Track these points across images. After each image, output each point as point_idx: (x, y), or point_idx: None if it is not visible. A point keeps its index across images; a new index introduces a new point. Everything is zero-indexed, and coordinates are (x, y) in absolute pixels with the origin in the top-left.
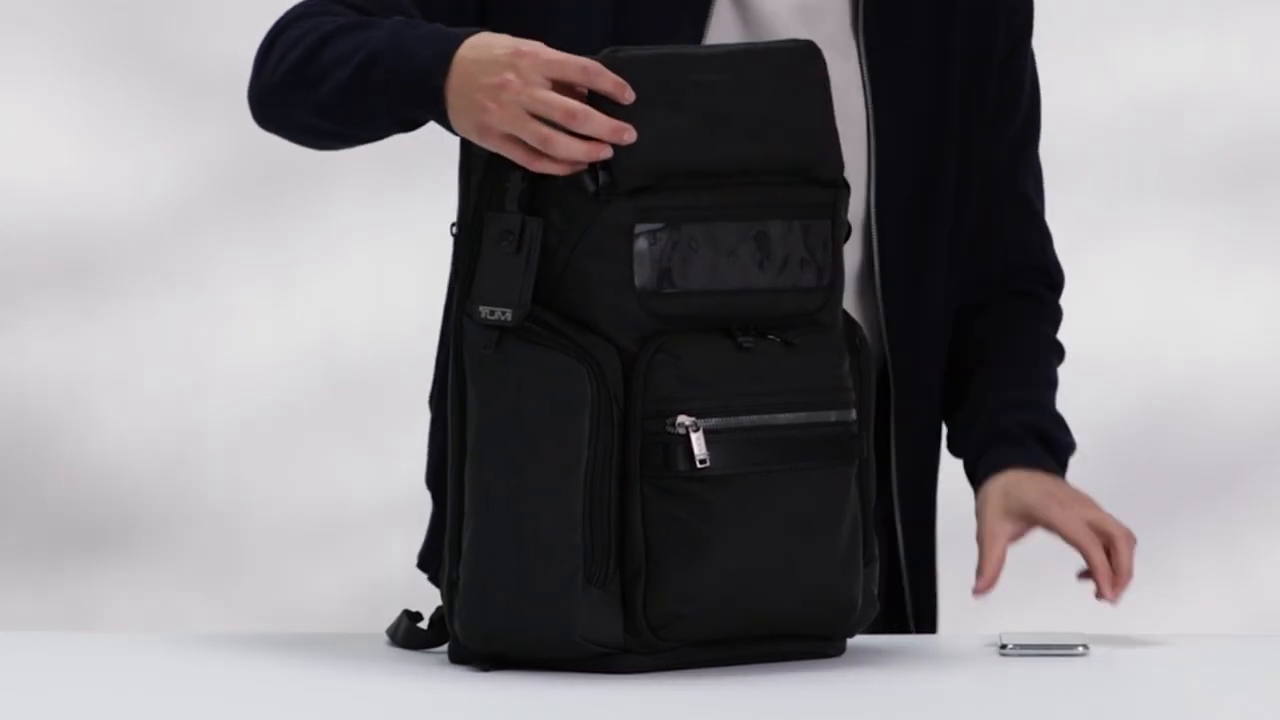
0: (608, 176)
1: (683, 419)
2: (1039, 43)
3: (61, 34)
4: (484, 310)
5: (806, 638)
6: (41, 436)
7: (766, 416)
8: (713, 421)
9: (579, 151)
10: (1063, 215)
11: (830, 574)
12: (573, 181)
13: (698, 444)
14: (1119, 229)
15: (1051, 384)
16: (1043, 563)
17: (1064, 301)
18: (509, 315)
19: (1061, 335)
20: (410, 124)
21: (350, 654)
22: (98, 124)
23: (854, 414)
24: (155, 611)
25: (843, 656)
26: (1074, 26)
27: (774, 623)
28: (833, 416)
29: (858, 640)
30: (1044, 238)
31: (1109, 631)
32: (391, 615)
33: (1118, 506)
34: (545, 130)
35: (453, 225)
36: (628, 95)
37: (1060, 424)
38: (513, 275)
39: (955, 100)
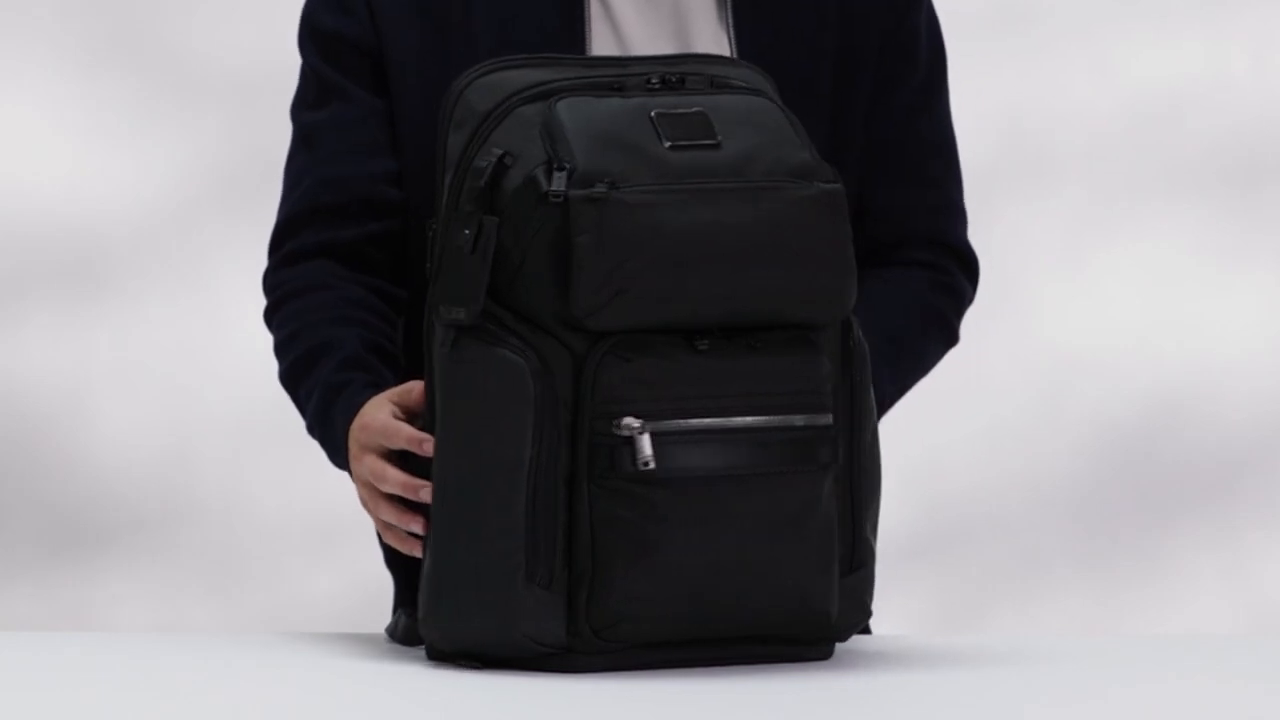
0: (563, 177)
1: (630, 420)
2: (1037, 42)
3: (61, 34)
4: (443, 309)
5: (778, 642)
6: (41, 436)
7: (723, 419)
8: (662, 424)
9: (390, 516)
10: (1062, 215)
11: (798, 579)
12: (529, 181)
13: (644, 446)
14: (1118, 228)
15: (901, 355)
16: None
17: (1047, 301)
18: (463, 314)
19: (1053, 335)
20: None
21: (348, 653)
22: (97, 123)
23: (828, 418)
24: (155, 611)
25: (840, 657)
26: (1073, 26)
27: (738, 627)
28: (799, 420)
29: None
30: (945, 210)
31: (1109, 631)
32: (390, 615)
33: (1117, 505)
34: (364, 496)
35: (431, 223)
36: (426, 449)
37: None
38: (468, 274)
39: (827, 72)
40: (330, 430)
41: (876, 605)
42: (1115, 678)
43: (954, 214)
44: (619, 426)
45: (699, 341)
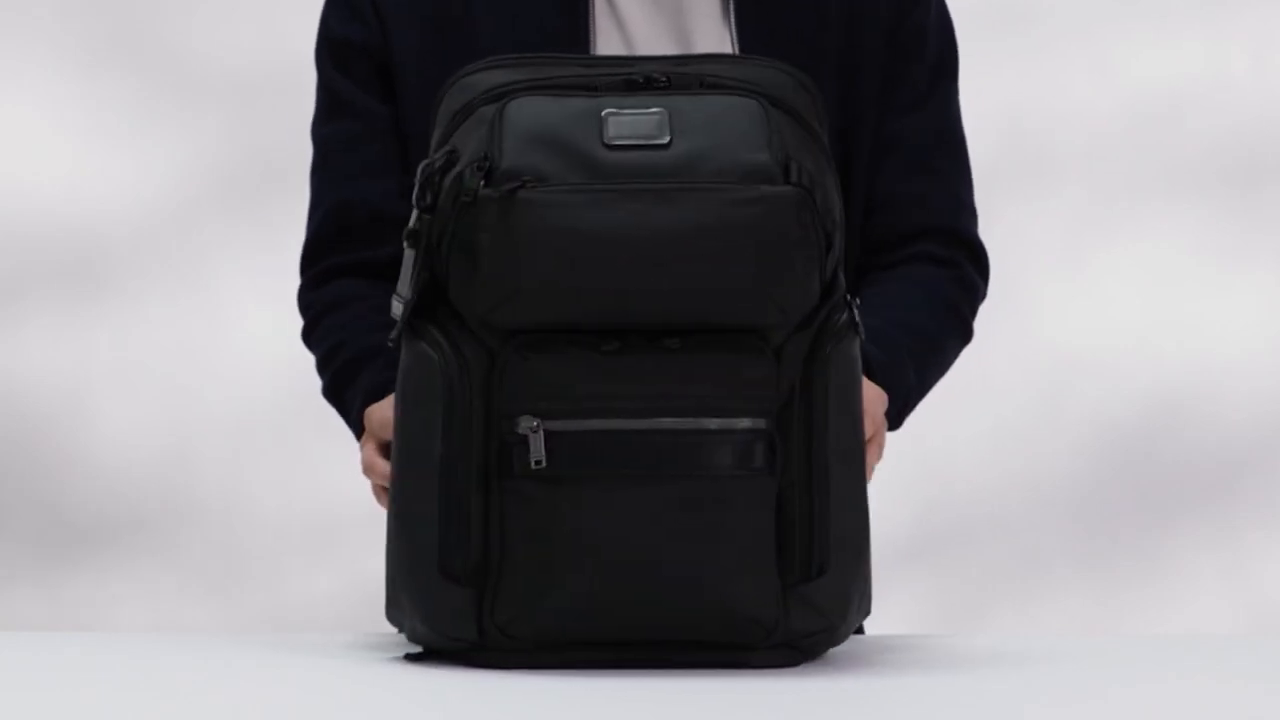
0: (481, 179)
1: (525, 419)
2: (1037, 42)
3: (61, 34)
4: (393, 302)
5: (702, 647)
6: (41, 436)
7: (624, 421)
8: (556, 424)
9: (382, 504)
10: (1062, 215)
11: (712, 583)
12: (456, 179)
13: (536, 445)
14: (1118, 228)
15: (928, 354)
16: (1044, 564)
17: (1048, 302)
18: (399, 309)
19: (1054, 336)
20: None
21: (347, 653)
22: (97, 123)
23: (751, 422)
24: (155, 610)
25: (839, 657)
26: (1073, 26)
27: (647, 629)
28: (713, 424)
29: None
30: (954, 204)
31: (1109, 631)
32: None
33: (1117, 505)
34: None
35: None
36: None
37: (903, 374)
38: (405, 270)
39: (829, 73)
40: (351, 409)
41: (875, 605)
42: (1115, 678)
43: (962, 209)
44: (517, 425)
45: (607, 343)
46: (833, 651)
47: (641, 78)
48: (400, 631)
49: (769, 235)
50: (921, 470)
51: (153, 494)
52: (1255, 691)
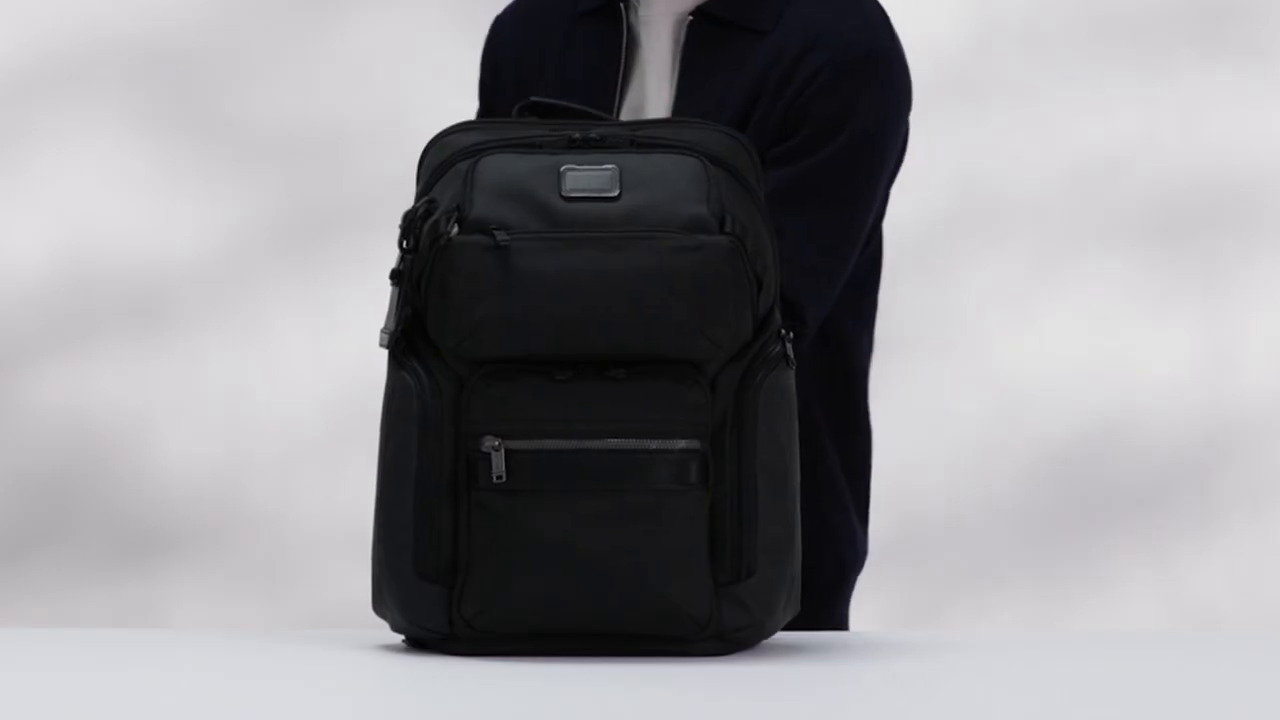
0: (454, 226)
1: (489, 439)
2: (987, 108)
3: (130, 98)
4: (380, 335)
5: (646, 639)
6: (111, 456)
7: (575, 441)
8: (516, 443)
9: None
10: (1010, 261)
11: (653, 584)
12: (433, 225)
13: (497, 462)
14: (1061, 273)
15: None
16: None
17: (999, 338)
18: (384, 340)
19: (1005, 367)
20: None
21: (385, 648)
22: (162, 179)
23: (686, 443)
24: (212, 611)
25: (815, 648)
26: (1020, 94)
27: (601, 623)
28: (653, 445)
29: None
30: (791, 271)
31: (1054, 627)
32: None
33: (1061, 518)
34: None
35: None
36: None
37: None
38: (390, 303)
39: (753, 124)
40: None
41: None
42: (1059, 667)
43: (803, 274)
44: (481, 444)
45: (559, 373)
46: (809, 643)
47: (597, 135)
48: (385, 621)
49: (704, 278)
50: (887, 486)
51: (209, 506)
52: (1180, 679)
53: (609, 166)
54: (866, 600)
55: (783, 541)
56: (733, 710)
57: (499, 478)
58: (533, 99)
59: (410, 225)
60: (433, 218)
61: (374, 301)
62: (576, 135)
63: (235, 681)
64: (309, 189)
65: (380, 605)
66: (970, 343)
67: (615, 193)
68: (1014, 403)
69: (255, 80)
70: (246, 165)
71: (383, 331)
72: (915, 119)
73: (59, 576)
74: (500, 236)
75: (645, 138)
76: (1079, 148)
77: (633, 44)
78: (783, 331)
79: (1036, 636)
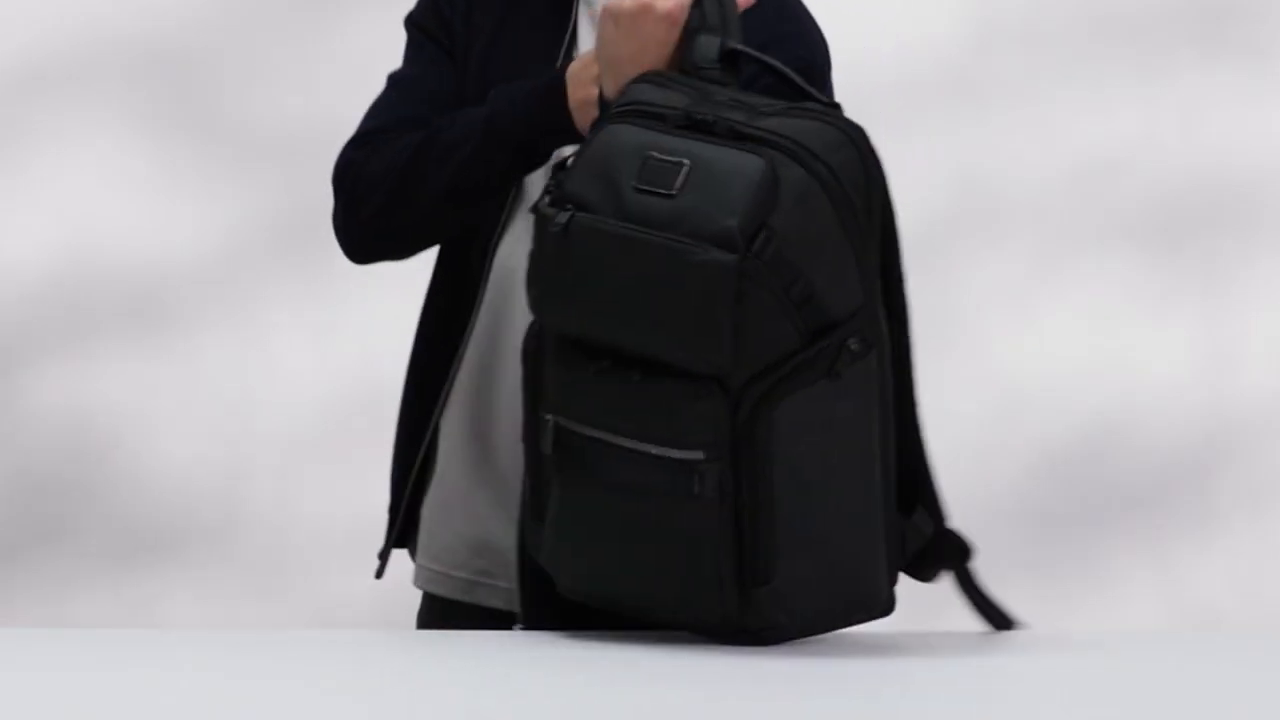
0: (549, 196)
1: (546, 413)
2: (988, 108)
3: (130, 98)
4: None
5: (678, 626)
6: (112, 455)
7: (599, 432)
8: (563, 421)
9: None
10: (1010, 261)
11: (666, 578)
12: (542, 191)
13: (548, 436)
14: (1061, 273)
15: None
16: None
17: (999, 338)
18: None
19: (1005, 367)
20: (529, 156)
21: (385, 647)
22: (162, 179)
23: (686, 454)
24: (213, 610)
25: (817, 643)
26: (1020, 94)
27: (634, 600)
28: (654, 450)
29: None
30: None
31: (1054, 627)
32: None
33: (1061, 518)
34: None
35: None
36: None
37: None
38: None
39: None
40: (533, 91)
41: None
42: (1058, 667)
43: None
44: (544, 415)
45: (600, 361)
46: (808, 643)
47: (711, 118)
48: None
49: (695, 294)
50: None
51: (209, 505)
52: (1180, 678)
53: (685, 162)
54: None
55: (809, 551)
56: (732, 710)
57: (548, 451)
58: (734, 46)
59: (558, 168)
60: (547, 192)
61: (374, 301)
62: (697, 115)
63: (235, 681)
64: (309, 189)
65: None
66: (970, 343)
67: (675, 191)
68: (1014, 403)
69: (255, 80)
70: (246, 165)
71: None
72: (916, 119)
73: (59, 576)
74: (558, 220)
75: (754, 130)
76: (1079, 148)
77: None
78: (851, 344)
79: (1036, 636)
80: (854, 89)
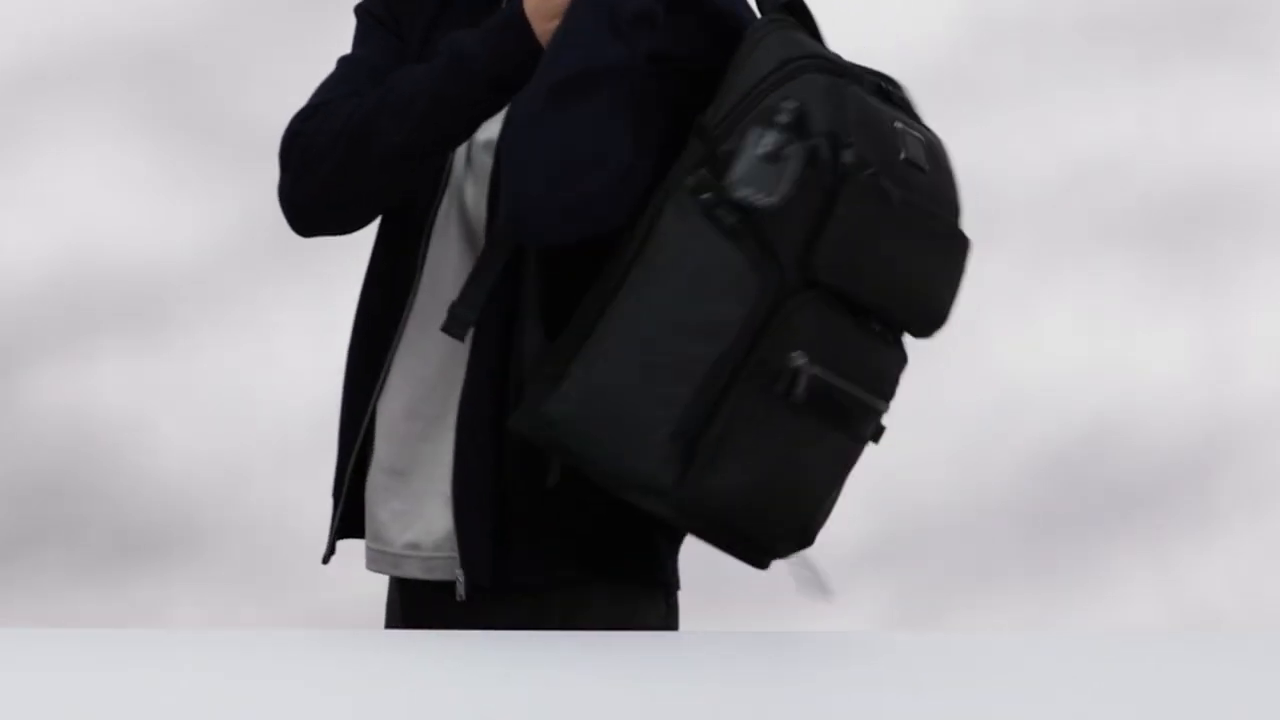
0: (850, 153)
1: (797, 356)
2: (988, 108)
3: (131, 99)
4: (732, 187)
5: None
6: (110, 454)
7: (864, 393)
8: (817, 369)
9: None
10: (1011, 261)
11: (818, 509)
12: (812, 148)
13: (803, 379)
14: (1060, 273)
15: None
16: (996, 569)
17: (998, 338)
18: (761, 198)
19: (1004, 367)
20: (501, 91)
21: (385, 647)
22: (162, 179)
23: (883, 405)
24: (212, 610)
25: (818, 648)
26: (1020, 94)
27: (773, 533)
28: (881, 405)
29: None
30: None
31: (1054, 627)
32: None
33: (1060, 517)
34: None
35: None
36: None
37: None
38: (768, 172)
39: None
40: (495, 27)
41: (845, 603)
42: (1058, 667)
43: None
44: (789, 360)
45: (873, 322)
46: (808, 643)
47: (889, 86)
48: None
49: (958, 269)
50: (885, 485)
51: (208, 506)
52: (1180, 678)
53: (920, 135)
54: (865, 600)
55: None
56: (731, 710)
57: (797, 393)
58: None
59: (796, 124)
60: (806, 127)
61: None
62: (881, 83)
63: (235, 681)
64: None
65: (552, 390)
66: (969, 342)
67: (925, 167)
68: (1014, 402)
69: (255, 80)
70: (246, 165)
71: (747, 188)
72: None
73: (59, 576)
74: (896, 196)
75: (902, 100)
76: (1078, 148)
77: None
78: None
79: (1036, 636)
80: None
